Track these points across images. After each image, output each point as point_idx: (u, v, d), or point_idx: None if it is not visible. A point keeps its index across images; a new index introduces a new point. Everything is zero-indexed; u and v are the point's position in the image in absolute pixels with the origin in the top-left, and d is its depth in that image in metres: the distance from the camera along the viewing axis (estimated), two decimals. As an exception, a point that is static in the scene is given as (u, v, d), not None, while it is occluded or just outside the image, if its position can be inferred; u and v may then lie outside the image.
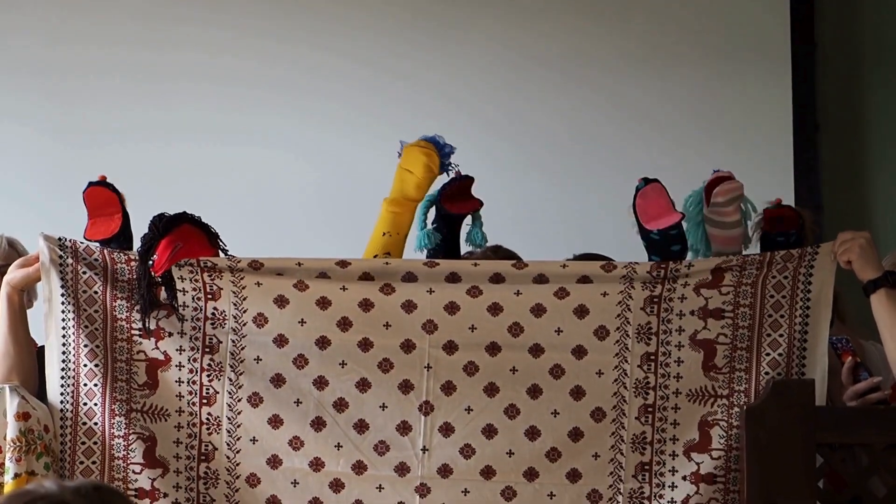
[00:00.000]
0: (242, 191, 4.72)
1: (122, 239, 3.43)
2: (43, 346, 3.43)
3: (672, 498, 3.29)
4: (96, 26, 4.91)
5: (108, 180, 3.43)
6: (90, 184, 3.43)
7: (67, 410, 3.38)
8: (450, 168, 3.49)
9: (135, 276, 3.35)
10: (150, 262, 3.32)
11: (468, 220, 3.56)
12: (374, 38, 4.92)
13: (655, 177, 3.34)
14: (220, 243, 3.37)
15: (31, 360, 3.45)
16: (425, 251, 3.51)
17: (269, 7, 4.92)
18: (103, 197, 3.42)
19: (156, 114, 4.88)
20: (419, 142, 3.45)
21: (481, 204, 3.53)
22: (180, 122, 4.88)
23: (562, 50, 4.90)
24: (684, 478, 3.29)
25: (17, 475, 3.25)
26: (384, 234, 3.46)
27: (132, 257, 3.38)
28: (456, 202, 3.51)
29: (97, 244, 3.40)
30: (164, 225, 3.31)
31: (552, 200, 4.82)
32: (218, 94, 4.90)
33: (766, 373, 3.29)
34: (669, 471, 3.30)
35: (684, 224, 3.37)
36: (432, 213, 3.53)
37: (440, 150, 3.46)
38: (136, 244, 3.39)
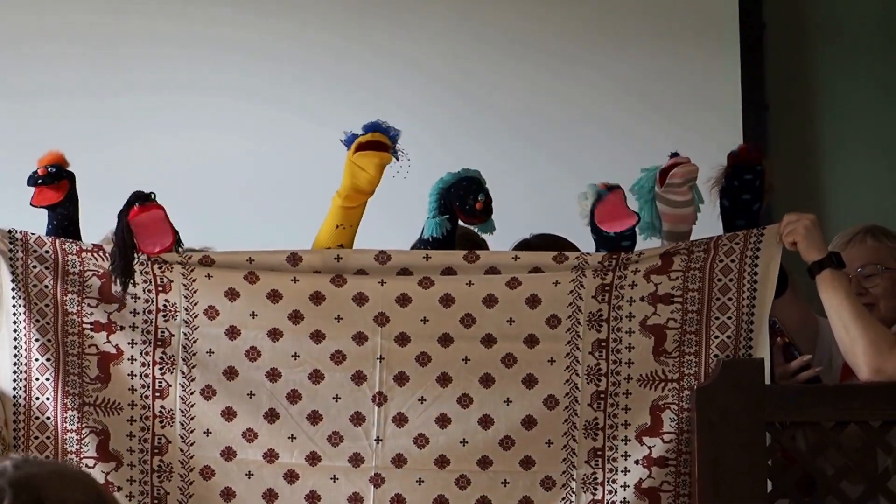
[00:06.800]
0: (192, 172, 4.68)
1: (68, 205, 3.39)
2: None
3: (625, 482, 3.31)
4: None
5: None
6: None
7: (20, 405, 3.37)
8: (397, 152, 3.39)
9: (114, 242, 3.31)
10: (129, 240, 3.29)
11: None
12: (339, 10, 4.90)
13: (617, 183, 3.35)
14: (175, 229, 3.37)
15: None
16: (431, 238, 3.41)
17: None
18: (47, 158, 3.37)
19: (98, 101, 4.84)
20: (371, 138, 3.34)
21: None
22: (124, 110, 4.84)
23: (512, 32, 4.89)
24: (637, 462, 3.31)
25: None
26: (338, 226, 3.41)
27: (83, 248, 3.37)
28: (468, 219, 3.43)
29: (48, 237, 3.38)
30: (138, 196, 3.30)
31: (507, 176, 4.82)
32: (163, 76, 4.87)
33: (716, 355, 3.31)
34: (622, 455, 3.32)
35: (636, 202, 3.38)
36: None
37: (387, 136, 3.35)
38: (85, 226, 3.33)
